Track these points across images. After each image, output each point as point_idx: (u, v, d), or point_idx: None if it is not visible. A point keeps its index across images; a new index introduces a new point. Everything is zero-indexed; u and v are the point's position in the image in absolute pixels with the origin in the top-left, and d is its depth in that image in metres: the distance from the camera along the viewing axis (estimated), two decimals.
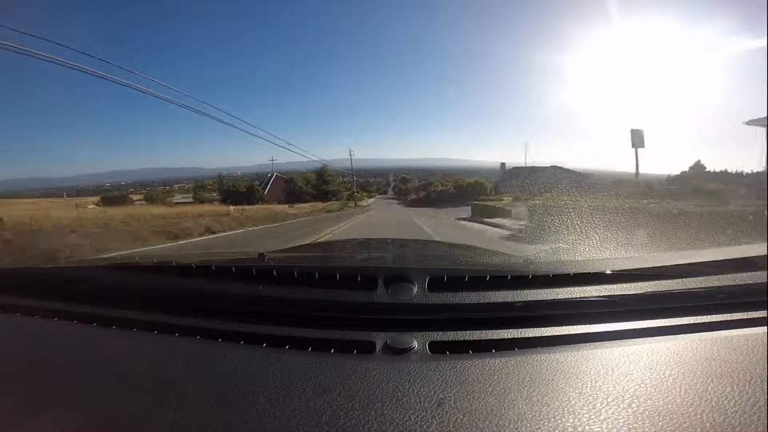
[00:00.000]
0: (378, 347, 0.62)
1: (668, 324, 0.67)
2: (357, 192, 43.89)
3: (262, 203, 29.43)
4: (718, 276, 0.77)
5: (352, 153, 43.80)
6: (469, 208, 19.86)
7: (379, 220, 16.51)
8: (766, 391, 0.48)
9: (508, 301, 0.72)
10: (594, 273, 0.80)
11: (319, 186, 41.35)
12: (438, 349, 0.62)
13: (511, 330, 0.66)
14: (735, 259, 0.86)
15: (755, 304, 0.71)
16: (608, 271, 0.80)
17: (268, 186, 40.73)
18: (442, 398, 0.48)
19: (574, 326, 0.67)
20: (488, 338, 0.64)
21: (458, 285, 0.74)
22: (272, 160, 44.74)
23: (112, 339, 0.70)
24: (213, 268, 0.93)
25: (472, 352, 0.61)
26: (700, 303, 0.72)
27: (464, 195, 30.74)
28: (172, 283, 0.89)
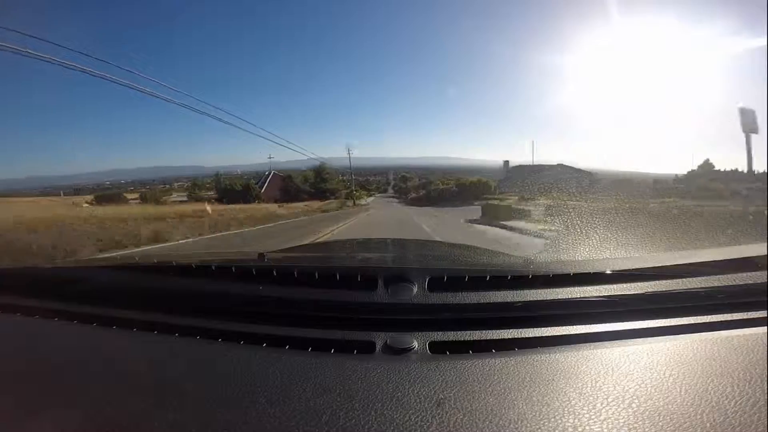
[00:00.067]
0: (378, 347, 0.62)
1: (668, 324, 0.67)
2: (356, 191, 42.66)
3: (258, 202, 28.94)
4: (718, 276, 0.77)
5: (350, 149, 42.39)
6: (475, 207, 18.72)
7: (377, 221, 15.50)
8: (766, 391, 0.48)
9: (508, 301, 0.72)
10: (594, 273, 0.80)
11: (317, 184, 40.12)
12: (438, 349, 0.62)
13: (511, 330, 0.66)
14: (735, 259, 0.86)
15: (755, 304, 0.71)
16: (608, 271, 0.80)
17: (266, 184, 39.79)
18: (442, 398, 0.48)
19: (574, 326, 0.67)
20: (488, 338, 0.64)
21: (458, 285, 0.74)
22: (270, 157, 43.91)
23: (112, 339, 0.70)
24: (213, 268, 0.93)
25: (472, 352, 0.61)
26: (700, 303, 0.72)
27: (467, 194, 30.25)
28: (172, 283, 0.89)
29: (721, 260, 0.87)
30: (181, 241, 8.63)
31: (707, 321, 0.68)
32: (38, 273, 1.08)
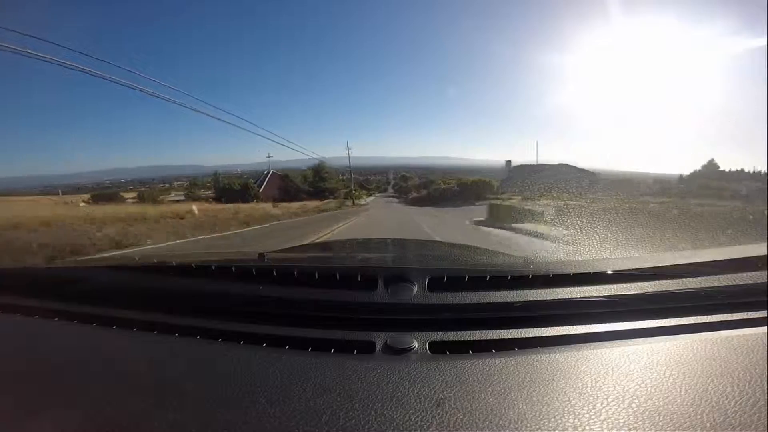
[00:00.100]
0: (378, 347, 0.62)
1: (668, 324, 0.67)
2: (355, 190, 41.62)
3: (257, 201, 28.58)
4: (718, 276, 0.77)
5: (349, 147, 40.99)
6: (477, 207, 18.00)
7: (377, 222, 14.44)
8: (766, 391, 0.48)
9: (508, 301, 0.72)
10: (594, 273, 0.80)
11: (316, 183, 39.18)
12: (438, 349, 0.62)
13: (511, 330, 0.66)
14: (735, 259, 0.86)
15: (755, 304, 0.71)
16: (608, 271, 0.80)
17: (264, 183, 39.11)
18: (441, 398, 0.48)
19: (574, 326, 0.67)
20: (488, 338, 0.64)
21: (458, 285, 0.74)
22: (269, 156, 42.85)
23: (112, 339, 0.70)
24: (213, 268, 0.93)
25: (472, 352, 0.61)
26: (700, 303, 0.72)
27: (469, 194, 29.74)
28: (172, 283, 0.89)
29: (721, 260, 0.87)
30: (149, 246, 7.47)
31: (707, 321, 0.68)
32: (38, 273, 1.08)
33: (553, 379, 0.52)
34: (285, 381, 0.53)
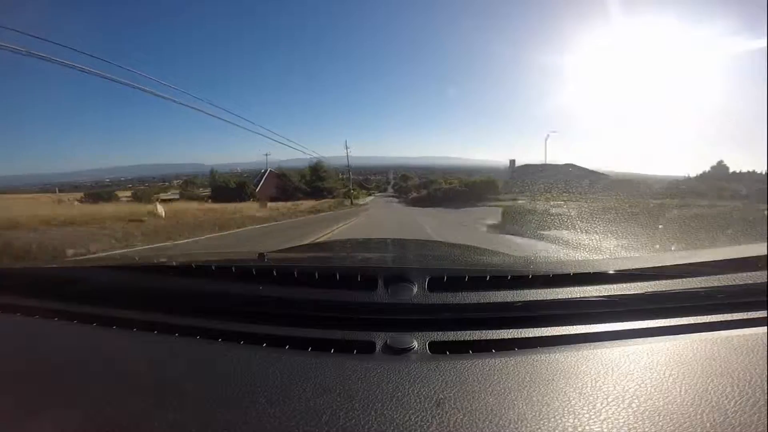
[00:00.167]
0: (378, 347, 0.62)
1: (668, 324, 0.67)
2: (354, 190, 40.30)
3: (253, 200, 28.11)
4: (718, 276, 0.77)
5: (348, 146, 39.21)
6: (482, 209, 16.92)
7: (376, 224, 13.34)
8: (766, 391, 0.48)
9: (508, 301, 0.72)
10: (594, 273, 0.80)
11: (313, 182, 37.78)
12: (438, 349, 0.62)
13: (511, 330, 0.66)
14: (735, 259, 0.86)
15: (755, 304, 0.71)
16: (608, 271, 0.80)
17: (261, 182, 38.21)
18: (441, 398, 0.48)
19: (574, 326, 0.67)
20: (488, 338, 0.64)
21: (458, 285, 0.74)
22: (267, 154, 41.75)
23: (112, 339, 0.70)
24: (213, 268, 0.93)
25: (472, 352, 0.61)
26: (700, 303, 0.72)
27: (473, 194, 28.66)
28: (172, 283, 0.89)
29: (721, 260, 0.87)
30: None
31: (707, 321, 0.68)
32: (38, 273, 1.08)
33: (553, 379, 0.52)
34: (285, 381, 0.53)
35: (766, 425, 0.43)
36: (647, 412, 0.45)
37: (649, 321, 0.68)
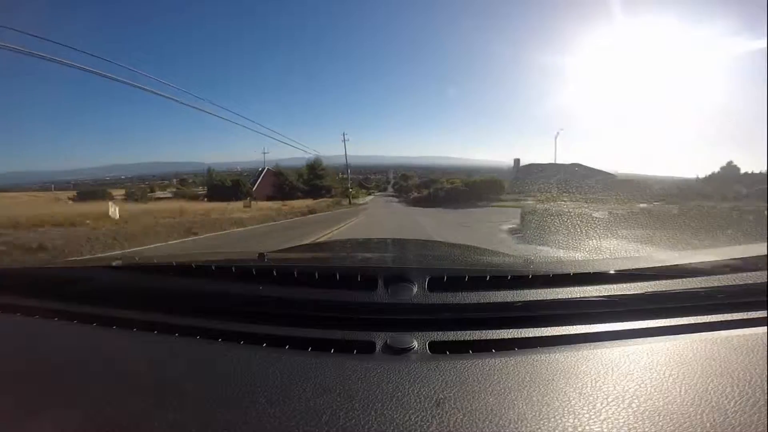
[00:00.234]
0: (378, 347, 0.62)
1: (668, 324, 0.67)
2: (352, 188, 38.80)
3: (250, 199, 27.89)
4: (718, 276, 0.77)
5: (346, 139, 36.77)
6: (484, 210, 15.89)
7: (375, 223, 12.35)
8: (766, 391, 0.48)
9: (508, 301, 0.72)
10: (594, 273, 0.80)
11: (311, 181, 36.72)
12: (438, 349, 0.62)
13: (511, 330, 0.66)
14: (735, 259, 0.86)
15: (755, 304, 0.71)
16: (608, 271, 0.80)
17: (259, 181, 37.65)
18: (441, 398, 0.48)
19: (574, 326, 0.67)
20: (488, 338, 0.64)
21: (458, 285, 0.74)
22: (265, 152, 41.31)
23: (112, 339, 0.70)
24: (213, 268, 0.93)
25: (472, 352, 0.61)
26: (700, 303, 0.72)
27: (477, 194, 27.52)
28: (172, 283, 0.89)
29: (721, 260, 0.88)
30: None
31: (707, 321, 0.68)
32: (38, 273, 1.09)
33: (553, 379, 0.52)
34: (285, 381, 0.53)
35: (766, 425, 0.43)
36: (647, 412, 0.45)
37: (649, 321, 0.68)
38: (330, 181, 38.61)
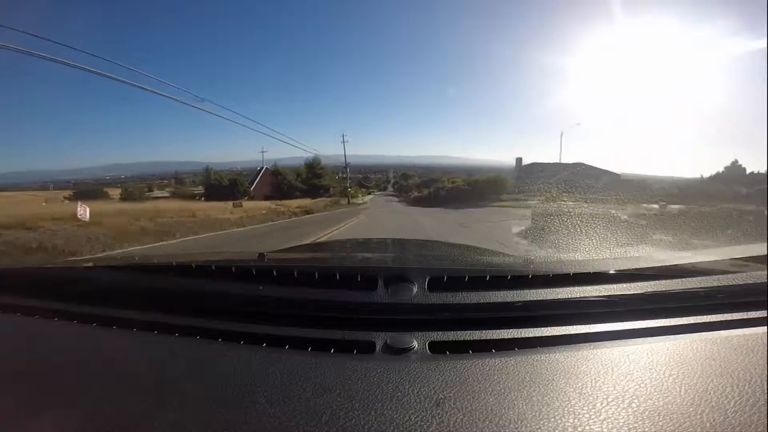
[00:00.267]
0: (378, 347, 0.62)
1: (668, 324, 0.67)
2: (350, 188, 37.75)
3: (247, 198, 27.56)
4: (718, 276, 0.77)
5: (345, 139, 36.38)
6: (497, 210, 14.80)
7: (375, 227, 11.56)
8: (766, 391, 0.48)
9: (508, 301, 0.72)
10: (594, 273, 0.80)
11: (309, 180, 36.22)
12: (438, 349, 0.62)
13: (511, 330, 0.66)
14: (735, 259, 0.86)
15: (755, 304, 0.71)
16: (608, 271, 0.80)
17: (257, 180, 37.24)
18: (441, 398, 0.48)
19: (574, 326, 0.67)
20: (488, 338, 0.64)
21: (458, 285, 0.74)
22: (263, 151, 40.87)
23: (112, 339, 0.70)
24: (213, 268, 0.93)
25: (472, 352, 0.61)
26: (700, 303, 0.72)
27: (480, 193, 26.67)
28: (172, 283, 0.89)
29: (721, 260, 0.88)
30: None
31: (707, 321, 0.68)
32: (38, 273, 1.08)
33: (553, 379, 0.52)
34: (285, 381, 0.53)
35: (766, 425, 0.43)
36: (647, 412, 0.45)
37: (649, 321, 0.68)
38: (329, 181, 38.25)
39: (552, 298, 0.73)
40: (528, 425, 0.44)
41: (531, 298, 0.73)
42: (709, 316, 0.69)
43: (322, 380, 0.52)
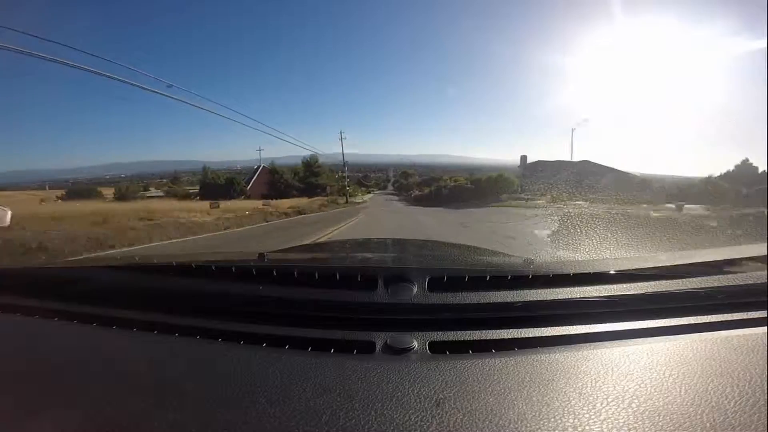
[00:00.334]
0: (378, 347, 0.62)
1: (668, 324, 0.67)
2: (349, 187, 36.69)
3: (244, 198, 27.44)
4: (718, 276, 0.77)
5: (343, 137, 35.80)
6: (504, 211, 13.19)
7: (375, 229, 10.57)
8: (766, 391, 0.48)
9: (508, 301, 0.72)
10: (594, 273, 0.80)
11: (307, 179, 35.51)
12: (438, 349, 0.62)
13: (511, 330, 0.66)
14: (735, 259, 0.86)
15: (755, 304, 0.71)
16: (608, 271, 0.80)
17: (254, 179, 36.84)
18: (441, 398, 0.48)
19: (574, 326, 0.67)
20: (488, 338, 0.64)
21: (458, 285, 0.74)
22: (260, 149, 40.35)
23: (112, 339, 0.70)
24: (213, 268, 0.93)
25: (472, 352, 0.61)
26: (700, 303, 0.72)
27: (484, 192, 25.41)
28: (172, 283, 0.89)
29: (720, 260, 0.87)
30: None
31: (707, 321, 0.68)
32: (38, 273, 1.08)
33: (553, 379, 0.52)
34: (285, 381, 0.53)
35: (766, 425, 0.43)
36: (647, 412, 0.45)
37: (649, 321, 0.68)
38: (327, 179, 37.48)
39: (552, 298, 0.73)
40: (528, 425, 0.44)
41: (531, 299, 0.72)
42: (709, 317, 0.69)
43: (322, 380, 0.52)
